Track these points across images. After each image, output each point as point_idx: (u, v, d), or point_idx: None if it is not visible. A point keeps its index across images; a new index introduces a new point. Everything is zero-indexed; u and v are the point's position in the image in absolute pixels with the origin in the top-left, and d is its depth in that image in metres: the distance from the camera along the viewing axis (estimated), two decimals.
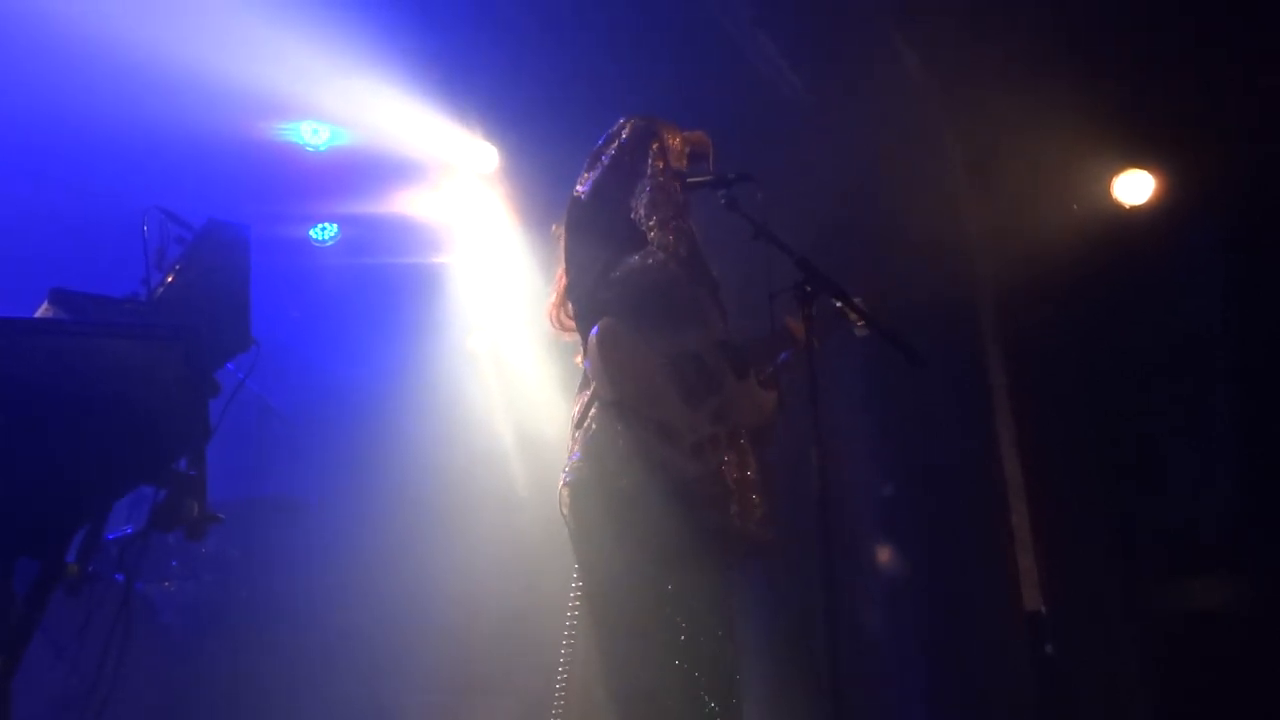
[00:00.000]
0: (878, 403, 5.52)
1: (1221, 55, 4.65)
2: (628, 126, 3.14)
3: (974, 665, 5.01)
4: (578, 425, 2.93)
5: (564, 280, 3.15)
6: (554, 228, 3.22)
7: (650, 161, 3.05)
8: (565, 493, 2.89)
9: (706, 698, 2.75)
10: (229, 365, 2.53)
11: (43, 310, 2.31)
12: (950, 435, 5.36)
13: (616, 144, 3.12)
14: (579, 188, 3.12)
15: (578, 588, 2.93)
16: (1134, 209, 5.25)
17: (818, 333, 2.83)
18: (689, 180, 3.09)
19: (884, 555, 5.46)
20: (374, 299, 6.12)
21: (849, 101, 5.11)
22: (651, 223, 2.97)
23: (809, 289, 2.79)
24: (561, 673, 3.00)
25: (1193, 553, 4.81)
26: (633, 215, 3.01)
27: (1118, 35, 4.75)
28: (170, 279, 2.39)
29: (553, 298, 3.23)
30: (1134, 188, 5.26)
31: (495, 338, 6.14)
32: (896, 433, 5.50)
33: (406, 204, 5.87)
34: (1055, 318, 5.24)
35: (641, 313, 2.91)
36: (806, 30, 5.11)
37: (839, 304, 2.89)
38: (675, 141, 3.16)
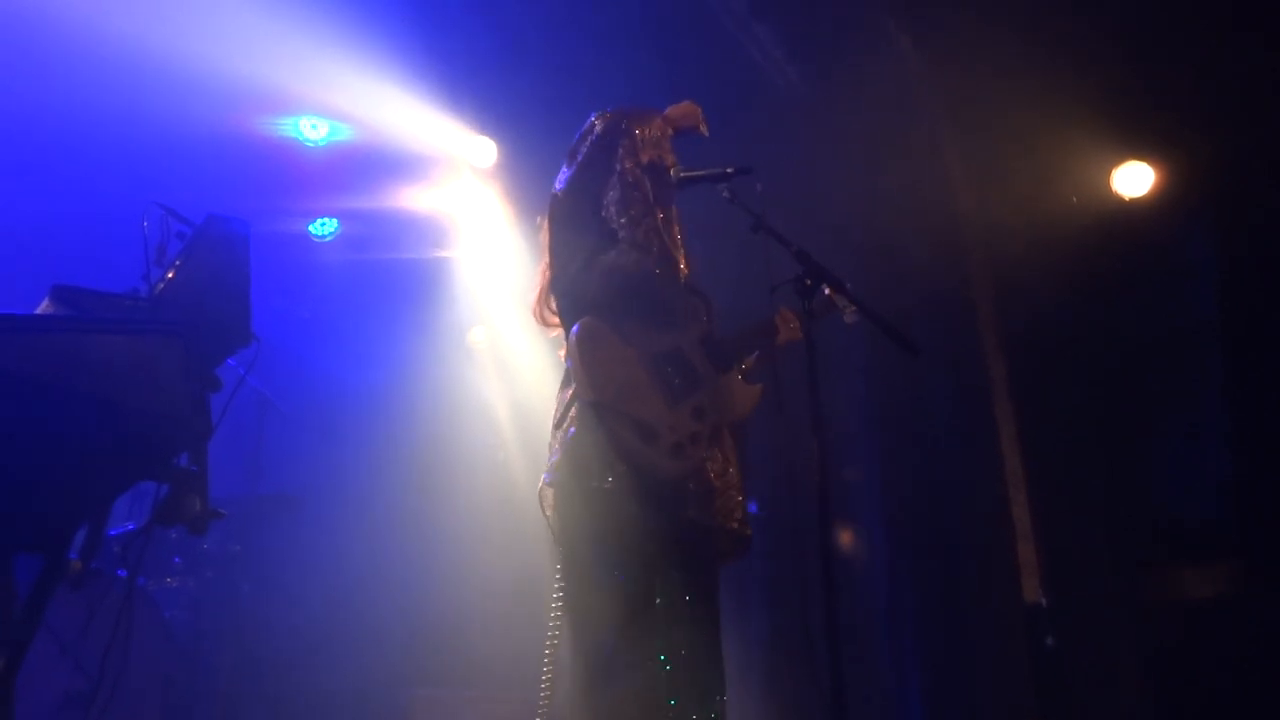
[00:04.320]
0: (877, 395, 5.53)
1: (1220, 46, 4.65)
2: (599, 122, 3.14)
3: (974, 657, 5.02)
4: (557, 425, 2.93)
5: (547, 275, 3.15)
6: (538, 219, 3.23)
7: (620, 159, 3.05)
8: (547, 493, 2.89)
9: (692, 705, 2.71)
10: (230, 361, 2.53)
11: (44, 307, 2.30)
12: (950, 427, 5.37)
13: (590, 140, 3.12)
14: (557, 185, 3.13)
15: (560, 590, 2.91)
16: (1133, 201, 5.24)
17: (815, 313, 2.81)
18: (687, 175, 3.08)
19: (883, 546, 5.47)
20: (374, 294, 6.12)
21: (846, 93, 5.11)
22: (622, 220, 2.97)
23: (808, 282, 2.78)
24: (546, 675, 2.97)
25: (1190, 542, 4.82)
26: (604, 213, 3.01)
27: (1117, 26, 4.74)
28: (171, 275, 2.39)
29: (535, 293, 3.22)
30: (1133, 180, 5.25)
31: (495, 332, 6.15)
32: (895, 425, 5.51)
33: (406, 199, 5.86)
34: (1054, 310, 5.25)
35: (620, 311, 2.92)
36: (803, 21, 5.11)
37: (829, 292, 2.87)
38: (654, 129, 3.13)
